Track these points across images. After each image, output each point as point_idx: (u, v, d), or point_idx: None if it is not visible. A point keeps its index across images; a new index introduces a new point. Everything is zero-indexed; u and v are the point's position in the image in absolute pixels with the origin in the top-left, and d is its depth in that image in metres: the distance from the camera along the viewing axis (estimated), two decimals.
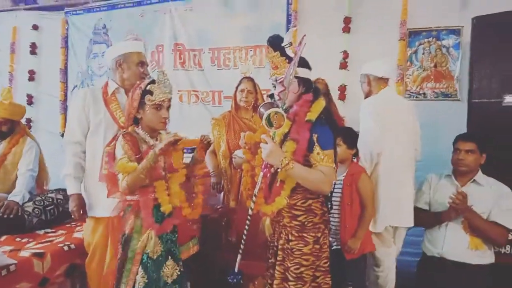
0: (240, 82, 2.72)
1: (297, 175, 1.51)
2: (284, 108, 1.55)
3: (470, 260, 2.09)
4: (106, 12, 4.02)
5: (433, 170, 2.47)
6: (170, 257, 1.74)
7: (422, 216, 2.30)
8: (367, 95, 2.49)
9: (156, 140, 1.78)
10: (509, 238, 2.24)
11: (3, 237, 2.28)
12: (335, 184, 2.16)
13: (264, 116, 1.48)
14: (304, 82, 1.63)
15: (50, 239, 2.31)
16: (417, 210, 2.33)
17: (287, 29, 3.45)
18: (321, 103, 1.60)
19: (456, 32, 3.06)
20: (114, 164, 1.67)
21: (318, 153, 1.50)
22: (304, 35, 1.53)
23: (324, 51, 3.34)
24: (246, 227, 1.63)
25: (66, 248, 2.20)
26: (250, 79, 2.71)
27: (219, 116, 2.80)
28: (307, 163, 1.53)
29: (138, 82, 1.81)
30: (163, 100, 1.71)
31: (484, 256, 2.12)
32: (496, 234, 2.09)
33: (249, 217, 1.61)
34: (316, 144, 1.51)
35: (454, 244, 2.13)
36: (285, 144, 1.57)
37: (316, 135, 1.52)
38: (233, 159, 2.61)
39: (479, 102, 2.58)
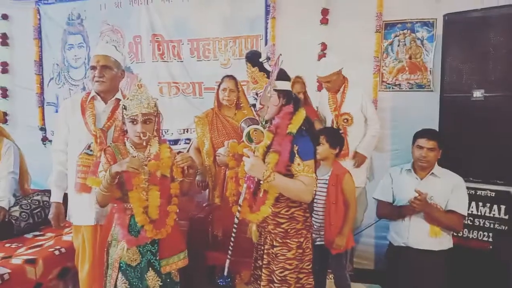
0: (222, 81, 2.75)
1: (278, 186, 1.59)
2: (263, 123, 1.62)
3: (432, 247, 2.30)
4: (80, 2, 3.88)
5: (407, 159, 2.61)
6: (150, 268, 1.77)
7: (387, 209, 2.48)
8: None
9: (146, 150, 1.81)
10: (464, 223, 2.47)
11: None
12: (319, 182, 2.26)
13: (244, 133, 1.55)
14: (284, 94, 1.68)
15: (40, 243, 2.37)
16: (382, 203, 2.50)
17: (266, 20, 3.47)
18: (301, 114, 1.67)
19: (429, 24, 3.15)
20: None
21: (298, 164, 1.59)
22: (280, 54, 1.58)
23: (302, 43, 3.39)
24: (233, 234, 1.72)
25: (57, 252, 2.27)
26: (232, 78, 2.75)
27: (201, 114, 2.84)
28: (290, 173, 1.61)
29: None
30: (136, 115, 1.71)
31: (443, 242, 2.33)
32: (454, 221, 2.30)
33: (235, 225, 1.71)
34: (296, 155, 1.59)
35: (417, 233, 2.33)
36: (268, 155, 1.63)
37: (296, 146, 1.59)
38: (216, 157, 2.68)
39: (450, 96, 2.72)
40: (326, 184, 2.29)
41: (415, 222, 2.34)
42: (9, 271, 1.95)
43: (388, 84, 3.32)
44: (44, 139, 4.09)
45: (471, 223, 2.61)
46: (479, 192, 2.59)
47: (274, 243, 1.67)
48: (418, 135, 2.42)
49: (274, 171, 1.57)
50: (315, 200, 2.29)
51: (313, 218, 2.29)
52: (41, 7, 3.99)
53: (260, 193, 1.65)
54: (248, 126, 1.57)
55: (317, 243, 2.30)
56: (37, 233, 2.54)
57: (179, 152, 1.89)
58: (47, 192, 2.66)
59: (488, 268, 2.47)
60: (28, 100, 4.12)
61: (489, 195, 2.57)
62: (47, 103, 4.12)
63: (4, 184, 2.62)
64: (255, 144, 1.57)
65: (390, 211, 2.46)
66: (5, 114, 4.13)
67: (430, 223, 2.30)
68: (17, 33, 4.12)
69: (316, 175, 1.63)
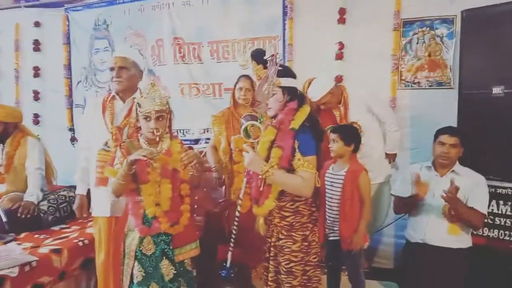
0: (238, 80, 2.82)
1: (277, 181, 1.63)
2: (261, 119, 1.67)
3: (451, 245, 2.27)
4: (106, 8, 4.06)
5: (426, 158, 2.58)
6: (164, 257, 1.85)
7: (402, 203, 2.47)
8: None
9: (158, 146, 1.90)
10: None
11: (23, 234, 2.47)
12: (335, 178, 2.30)
13: (242, 128, 1.61)
14: (289, 91, 1.72)
15: (66, 235, 2.51)
16: (398, 199, 2.49)
17: (284, 21, 3.52)
18: (305, 110, 1.70)
19: (449, 21, 3.10)
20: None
21: (299, 159, 1.62)
22: (275, 54, 1.63)
23: (320, 43, 3.42)
24: (235, 227, 1.77)
25: (80, 243, 2.39)
26: (248, 77, 2.81)
27: (218, 113, 2.92)
28: (293, 168, 1.65)
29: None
30: (150, 112, 1.79)
31: (462, 241, 2.29)
32: (475, 219, 2.24)
33: (236, 218, 1.76)
34: (297, 150, 1.62)
35: (435, 230, 2.30)
36: (272, 150, 1.68)
37: (297, 142, 1.63)
38: (233, 155, 2.75)
39: (469, 93, 2.67)
40: (342, 180, 2.29)
41: (433, 219, 2.31)
42: (36, 259, 2.08)
43: (407, 82, 3.29)
44: (73, 139, 4.29)
45: (491, 222, 2.55)
46: (499, 190, 2.52)
47: (280, 236, 1.72)
48: (440, 131, 2.39)
49: (278, 166, 1.61)
50: (329, 196, 2.30)
51: (326, 214, 2.30)
52: (70, 14, 4.21)
53: (261, 187, 1.69)
54: (247, 122, 1.62)
55: (331, 238, 2.31)
56: (63, 226, 2.69)
57: (190, 148, 1.97)
58: (73, 188, 2.79)
59: (509, 268, 2.40)
60: (58, 102, 4.34)
61: (509, 193, 2.49)
62: (76, 105, 4.32)
63: (32, 180, 2.77)
64: (252, 140, 1.62)
65: (405, 205, 2.44)
66: (36, 115, 4.39)
67: (450, 221, 2.26)
68: (48, 39, 4.35)
69: (316, 171, 1.65)
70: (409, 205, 2.42)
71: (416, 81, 3.26)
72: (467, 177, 2.32)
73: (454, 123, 2.64)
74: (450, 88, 3.12)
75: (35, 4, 4.40)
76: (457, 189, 2.16)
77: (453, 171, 2.35)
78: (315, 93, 2.77)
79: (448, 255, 2.26)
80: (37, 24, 4.34)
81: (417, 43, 3.23)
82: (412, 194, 2.37)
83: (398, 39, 3.25)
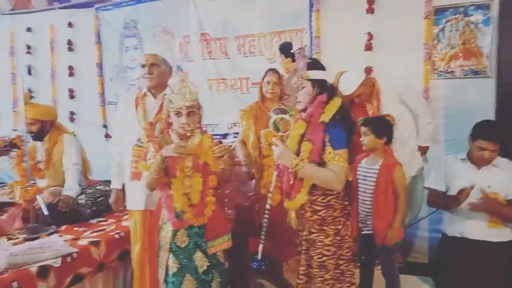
0: (266, 74, 2.82)
1: (307, 175, 1.63)
2: (290, 112, 1.66)
3: (491, 238, 2.20)
4: (134, 6, 4.15)
5: (461, 150, 2.49)
6: (198, 249, 1.90)
7: (438, 198, 2.39)
8: None
9: (189, 141, 1.94)
10: None
11: (63, 227, 2.60)
12: (368, 172, 2.26)
13: (271, 122, 1.61)
14: (318, 84, 1.70)
15: (103, 227, 2.61)
16: (433, 192, 2.42)
17: (310, 13, 3.47)
18: (335, 103, 1.68)
19: (484, 7, 2.96)
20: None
21: (329, 153, 1.61)
22: (303, 46, 1.61)
23: (347, 34, 3.35)
24: (265, 220, 1.79)
25: (117, 236, 2.47)
26: (275, 71, 2.81)
27: (246, 107, 2.93)
28: (324, 162, 1.63)
29: None
30: (181, 108, 1.82)
31: (503, 234, 2.21)
32: None
33: (267, 211, 1.77)
34: (327, 144, 1.61)
35: (474, 223, 2.23)
36: (302, 144, 1.67)
37: (328, 135, 1.61)
38: (262, 149, 2.77)
39: (507, 82, 2.56)
40: (376, 174, 2.25)
41: (471, 212, 2.22)
42: (77, 250, 2.18)
43: (440, 72, 3.18)
44: (106, 136, 4.44)
45: None
46: None
47: (312, 230, 1.72)
48: (480, 134, 2.22)
49: (308, 160, 1.60)
50: (362, 190, 2.27)
51: (359, 208, 2.28)
52: (100, 13, 4.33)
53: (291, 181, 1.69)
54: (276, 115, 1.62)
55: (364, 232, 2.29)
56: (100, 219, 2.79)
57: (219, 143, 1.99)
58: (109, 183, 2.88)
59: None
60: (91, 100, 4.49)
61: None
62: (108, 102, 4.46)
63: (70, 175, 2.89)
64: (282, 133, 1.62)
65: (443, 201, 2.37)
66: (72, 113, 4.57)
67: (491, 215, 2.20)
68: (80, 39, 4.51)
69: (348, 165, 1.63)
70: (447, 205, 2.34)
71: (449, 70, 3.15)
72: (506, 169, 2.23)
73: (490, 113, 2.55)
74: (487, 77, 2.99)
75: (67, 5, 4.55)
76: (488, 198, 2.10)
77: (492, 164, 2.26)
78: (347, 86, 2.72)
79: (489, 249, 2.19)
80: (70, 24, 4.49)
81: (450, 31, 3.11)
82: (450, 193, 2.30)
83: (430, 27, 3.14)
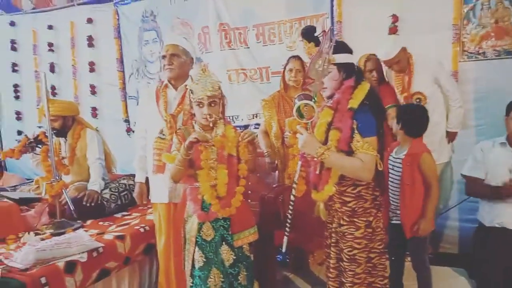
0: (288, 62, 2.74)
1: (333, 164, 1.54)
2: (315, 98, 1.57)
3: None
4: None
5: (493, 135, 2.39)
6: (224, 242, 1.87)
7: (478, 187, 2.26)
8: None
9: (212, 132, 1.90)
10: None
11: (89, 222, 2.62)
12: (395, 162, 2.17)
13: (294, 108, 1.53)
14: (345, 68, 1.61)
15: (128, 221, 2.61)
16: (472, 180, 2.29)
17: None
18: (364, 88, 1.58)
19: None
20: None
21: (358, 141, 1.51)
22: (327, 29, 1.52)
23: (370, 18, 3.22)
24: (290, 211, 1.72)
25: (142, 230, 2.48)
26: (298, 58, 2.73)
27: (268, 97, 2.87)
28: (352, 151, 1.54)
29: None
30: (202, 98, 1.79)
31: None
32: None
33: (291, 202, 1.71)
34: (356, 131, 1.51)
35: None
36: (330, 133, 1.59)
37: (356, 122, 1.52)
38: (285, 139, 2.70)
39: None
40: (401, 164, 2.17)
41: None
42: (103, 245, 2.18)
43: (471, 53, 3.01)
44: (128, 130, 4.47)
45: None
46: None
47: (341, 222, 1.64)
48: None
49: (336, 149, 1.52)
50: (391, 180, 2.18)
51: (389, 198, 2.19)
52: (119, 8, 4.33)
53: (317, 170, 1.62)
54: (300, 101, 1.54)
55: (393, 222, 2.20)
56: (125, 213, 2.81)
57: None
58: (132, 176, 2.89)
59: None
60: (112, 95, 4.53)
61: None
62: (129, 96, 4.48)
63: (94, 170, 2.90)
64: (306, 120, 1.54)
65: (483, 190, 2.25)
66: (94, 109, 4.61)
67: None
68: (100, 34, 4.53)
69: (377, 154, 1.53)
70: (490, 195, 2.22)
71: (480, 51, 2.98)
72: None
73: None
74: None
75: (86, 1, 4.57)
76: None
77: None
78: (390, 50, 2.67)
79: None
80: (89, 20, 4.52)
81: (482, 9, 2.94)
82: (490, 181, 2.18)
83: (459, 6, 2.97)
